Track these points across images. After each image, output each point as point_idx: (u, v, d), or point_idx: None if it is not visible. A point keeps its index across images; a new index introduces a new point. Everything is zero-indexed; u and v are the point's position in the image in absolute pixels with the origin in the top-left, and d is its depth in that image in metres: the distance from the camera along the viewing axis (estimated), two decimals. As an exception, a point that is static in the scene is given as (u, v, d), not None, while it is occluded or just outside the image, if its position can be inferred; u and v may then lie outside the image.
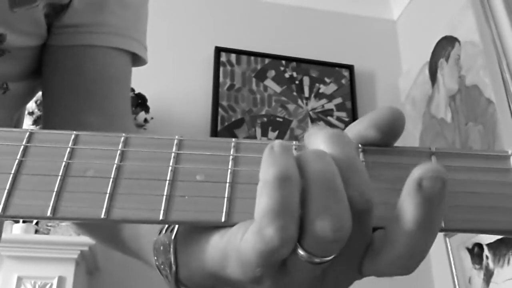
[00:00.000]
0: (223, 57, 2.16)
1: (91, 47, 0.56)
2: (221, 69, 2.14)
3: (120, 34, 0.57)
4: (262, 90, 2.15)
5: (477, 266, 1.71)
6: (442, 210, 0.25)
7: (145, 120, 1.88)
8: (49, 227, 1.62)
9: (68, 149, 0.29)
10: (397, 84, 2.28)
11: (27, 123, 1.65)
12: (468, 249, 1.76)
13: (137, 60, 0.60)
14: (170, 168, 0.28)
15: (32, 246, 1.50)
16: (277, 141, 0.26)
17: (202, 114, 2.03)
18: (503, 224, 0.26)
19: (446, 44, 1.97)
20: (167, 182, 0.27)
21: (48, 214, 0.26)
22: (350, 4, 2.44)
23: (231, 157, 0.28)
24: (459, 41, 1.89)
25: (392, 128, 0.28)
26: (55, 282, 1.47)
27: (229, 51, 2.18)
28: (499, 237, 1.62)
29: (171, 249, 0.33)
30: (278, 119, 2.11)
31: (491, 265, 1.65)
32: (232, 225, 0.27)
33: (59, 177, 0.28)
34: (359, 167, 0.25)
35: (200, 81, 2.11)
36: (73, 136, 0.29)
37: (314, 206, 0.24)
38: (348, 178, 0.25)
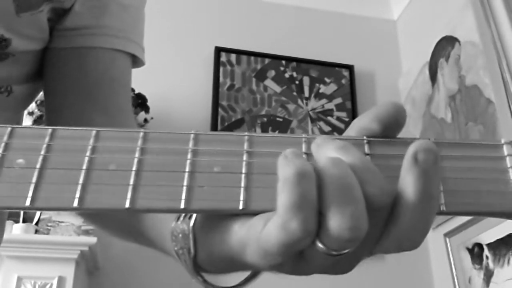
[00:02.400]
0: (223, 57, 2.16)
1: (92, 49, 0.57)
2: (221, 69, 2.14)
3: (120, 36, 0.58)
4: (262, 90, 2.15)
5: (477, 266, 1.71)
6: (438, 183, 0.28)
7: (145, 120, 1.88)
8: (49, 227, 1.62)
9: (90, 144, 0.30)
10: (397, 84, 2.28)
11: (27, 123, 1.65)
12: (468, 249, 1.76)
13: (135, 61, 0.62)
14: (188, 161, 0.30)
15: (32, 246, 1.50)
16: (289, 150, 0.28)
17: (202, 114, 2.03)
18: (498, 206, 0.29)
19: (446, 44, 1.97)
20: (186, 174, 0.29)
21: (75, 205, 0.28)
22: (350, 4, 2.44)
23: (245, 150, 0.30)
24: (459, 41, 1.89)
25: (394, 121, 0.30)
26: (55, 282, 1.47)
27: (229, 51, 2.18)
28: (499, 237, 1.62)
29: (191, 236, 0.35)
30: (278, 119, 2.11)
31: (491, 265, 1.65)
32: (249, 213, 0.29)
33: (83, 170, 0.29)
34: (374, 168, 0.28)
35: (200, 81, 2.11)
36: (94, 132, 0.31)
37: (332, 208, 0.26)
38: (366, 177, 0.27)
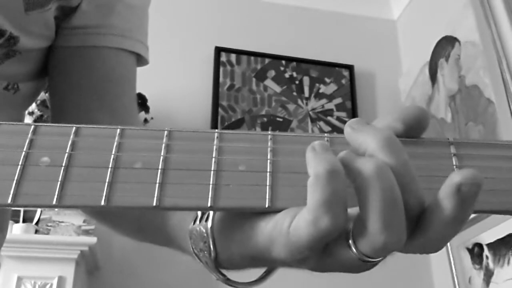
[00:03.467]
0: (223, 57, 2.16)
1: (98, 48, 0.58)
2: (221, 69, 2.14)
3: (126, 36, 0.59)
4: (262, 90, 2.15)
5: (477, 266, 1.71)
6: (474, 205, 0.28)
7: (145, 120, 1.88)
8: (49, 227, 1.62)
9: (115, 142, 0.30)
10: (397, 84, 2.28)
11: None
12: (468, 249, 1.76)
13: (140, 60, 0.62)
14: (213, 159, 0.30)
15: (32, 246, 1.50)
16: (317, 142, 0.29)
17: (202, 114, 2.03)
18: None
19: (446, 44, 1.97)
20: (212, 172, 0.30)
21: (102, 203, 0.28)
22: (350, 4, 2.44)
23: (269, 148, 0.31)
24: (459, 41, 1.89)
25: (417, 123, 0.31)
26: (55, 282, 1.47)
27: (229, 51, 2.18)
28: (499, 237, 1.62)
29: (210, 237, 0.36)
30: (278, 119, 2.11)
31: (491, 265, 1.65)
32: (275, 211, 0.30)
33: (110, 169, 0.29)
34: (414, 173, 0.28)
35: (200, 81, 2.11)
36: (118, 131, 0.31)
37: (379, 222, 0.27)
38: (406, 186, 0.28)
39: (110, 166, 0.29)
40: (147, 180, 0.29)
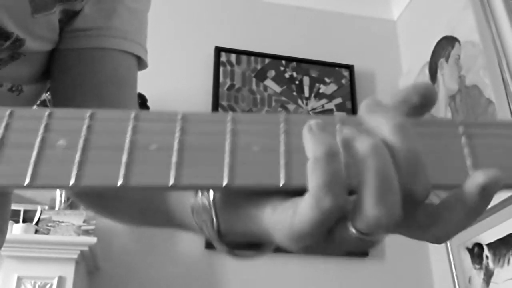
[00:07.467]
0: (223, 57, 2.17)
1: (100, 49, 0.58)
2: (221, 69, 2.14)
3: (128, 38, 0.60)
4: (262, 90, 2.15)
5: (477, 266, 1.72)
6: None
7: (145, 120, 1.88)
8: (49, 227, 1.62)
9: (130, 125, 0.31)
10: (397, 84, 2.28)
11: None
12: (468, 249, 1.76)
13: (139, 63, 0.63)
14: (228, 140, 0.30)
15: (32, 246, 1.51)
16: (313, 121, 0.29)
17: (202, 114, 2.03)
18: None
19: (446, 44, 1.97)
20: (227, 152, 0.30)
21: (120, 182, 0.28)
22: (350, 4, 2.44)
23: (281, 129, 0.31)
24: (459, 41, 1.89)
25: (430, 97, 0.31)
26: (55, 282, 1.47)
27: (229, 51, 2.18)
28: (499, 237, 1.62)
29: (212, 208, 0.36)
30: (278, 119, 2.11)
31: (491, 265, 1.65)
32: (290, 188, 0.30)
33: (126, 151, 0.29)
34: (423, 161, 0.29)
35: (200, 81, 2.11)
36: (133, 114, 0.31)
37: (372, 198, 0.27)
38: (414, 173, 0.28)
39: (126, 147, 0.30)
40: (163, 161, 0.29)
